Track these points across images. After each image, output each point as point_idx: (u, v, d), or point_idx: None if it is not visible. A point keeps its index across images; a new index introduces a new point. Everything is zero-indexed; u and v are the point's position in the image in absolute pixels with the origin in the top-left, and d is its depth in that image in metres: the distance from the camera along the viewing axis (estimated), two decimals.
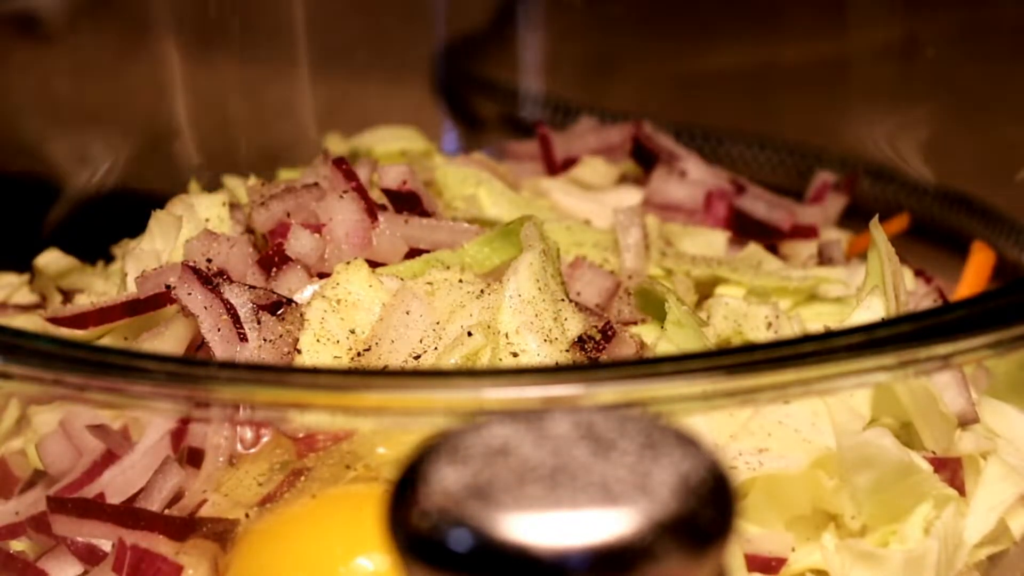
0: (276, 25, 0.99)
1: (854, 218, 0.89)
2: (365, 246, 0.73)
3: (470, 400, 0.54)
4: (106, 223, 0.86)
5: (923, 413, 0.65)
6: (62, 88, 0.94)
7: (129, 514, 0.63)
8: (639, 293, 0.74)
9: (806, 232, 0.88)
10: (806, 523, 0.63)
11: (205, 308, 0.68)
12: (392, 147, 0.89)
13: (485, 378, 0.57)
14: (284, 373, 0.60)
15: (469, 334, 0.67)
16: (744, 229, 0.87)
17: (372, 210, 0.73)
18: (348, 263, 0.71)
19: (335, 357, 0.68)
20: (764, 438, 0.64)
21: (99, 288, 0.80)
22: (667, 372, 0.55)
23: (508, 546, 0.40)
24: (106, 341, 0.71)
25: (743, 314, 0.73)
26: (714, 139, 0.98)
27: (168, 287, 0.69)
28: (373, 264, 0.72)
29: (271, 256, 0.72)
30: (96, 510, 0.64)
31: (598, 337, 0.70)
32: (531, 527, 0.40)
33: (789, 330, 0.73)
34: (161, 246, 0.74)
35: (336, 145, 0.91)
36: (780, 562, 0.61)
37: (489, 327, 0.67)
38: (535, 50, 1.04)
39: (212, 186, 0.90)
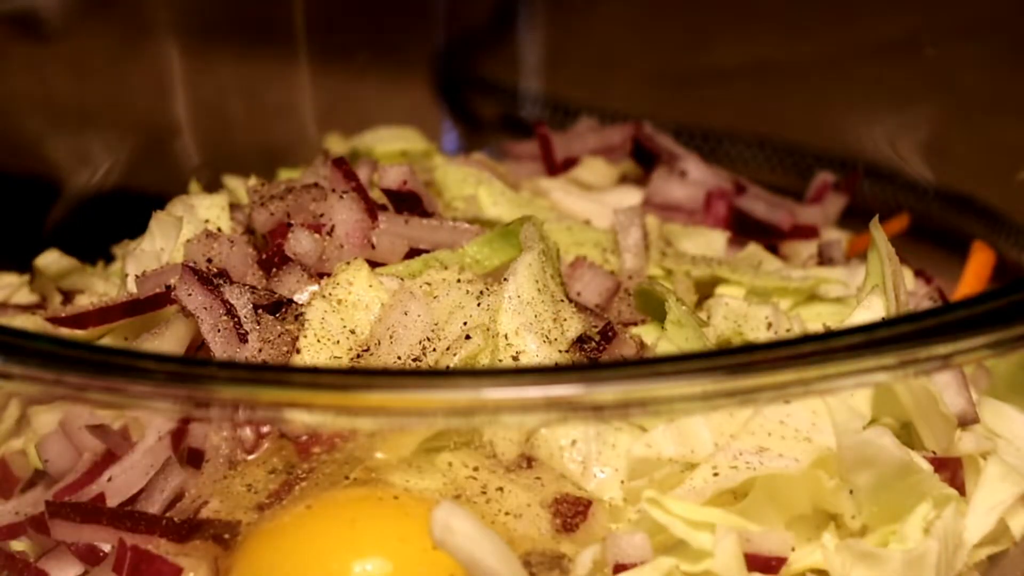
0: (276, 25, 0.99)
1: (854, 218, 0.89)
2: (365, 246, 0.73)
3: (470, 400, 0.54)
4: (106, 223, 0.86)
5: (923, 413, 0.65)
6: (62, 88, 0.94)
7: (128, 518, 0.63)
8: (639, 293, 0.74)
9: (806, 232, 0.88)
10: (806, 523, 0.63)
11: (205, 308, 0.68)
12: (392, 147, 0.89)
13: (485, 378, 0.57)
14: (284, 373, 0.60)
15: (468, 337, 0.67)
16: (744, 229, 0.87)
17: (372, 210, 0.73)
18: (348, 263, 0.71)
19: (335, 357, 0.68)
20: (764, 438, 0.64)
21: (99, 288, 0.80)
22: (667, 372, 0.55)
23: None
24: (106, 341, 0.71)
25: (743, 314, 0.73)
26: (714, 139, 0.98)
27: (168, 287, 0.69)
28: (373, 264, 0.72)
29: (271, 256, 0.72)
30: (96, 514, 0.64)
31: (598, 337, 0.70)
32: None
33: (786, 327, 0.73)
34: (161, 246, 0.74)
35: (336, 145, 0.91)
36: (780, 562, 0.61)
37: (488, 329, 0.67)
38: (535, 50, 1.04)
39: (212, 186, 0.90)
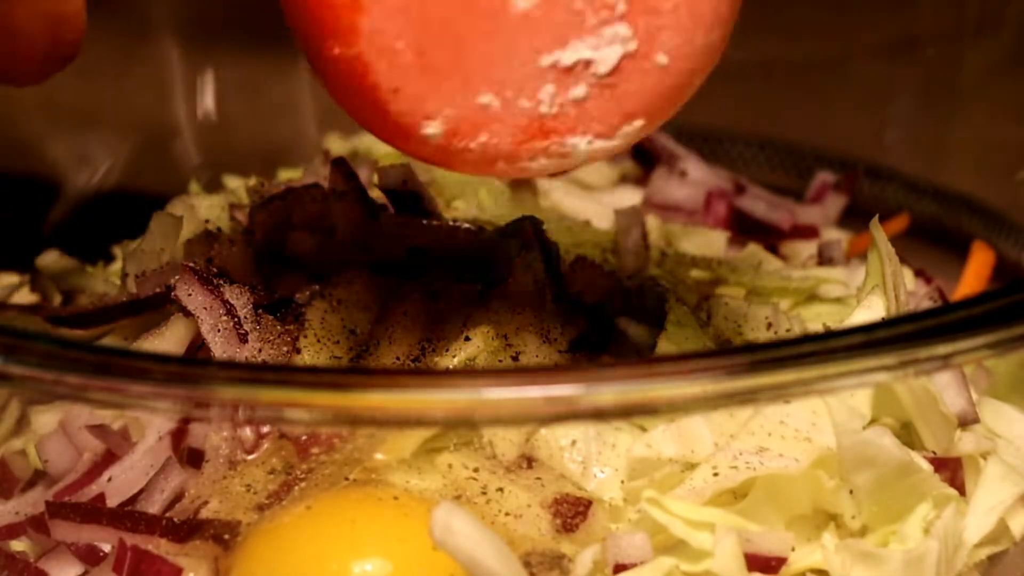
0: (276, 25, 0.99)
1: (854, 218, 0.89)
2: (365, 246, 0.73)
3: (470, 400, 0.54)
4: (106, 223, 0.86)
5: (923, 413, 0.65)
6: (62, 88, 0.94)
7: (128, 518, 0.63)
8: (639, 293, 0.74)
9: (806, 232, 0.88)
10: (806, 523, 0.63)
11: (205, 308, 0.68)
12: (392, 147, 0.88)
13: (485, 378, 0.57)
14: (284, 373, 0.60)
15: (467, 339, 0.67)
16: (744, 229, 0.87)
17: (372, 210, 0.73)
18: (348, 263, 0.71)
19: (335, 357, 0.68)
20: (764, 438, 0.64)
21: (99, 288, 0.80)
22: (667, 372, 0.55)
23: None
24: (106, 341, 0.71)
25: (743, 314, 0.73)
26: (714, 139, 0.98)
27: (168, 287, 0.69)
28: (373, 264, 0.72)
29: (271, 256, 0.72)
30: (95, 515, 0.64)
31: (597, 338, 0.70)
32: None
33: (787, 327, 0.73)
34: (161, 246, 0.74)
35: (336, 145, 0.91)
36: (780, 562, 0.61)
37: (488, 331, 0.67)
38: None
39: (212, 186, 0.89)
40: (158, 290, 0.70)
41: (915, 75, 0.95)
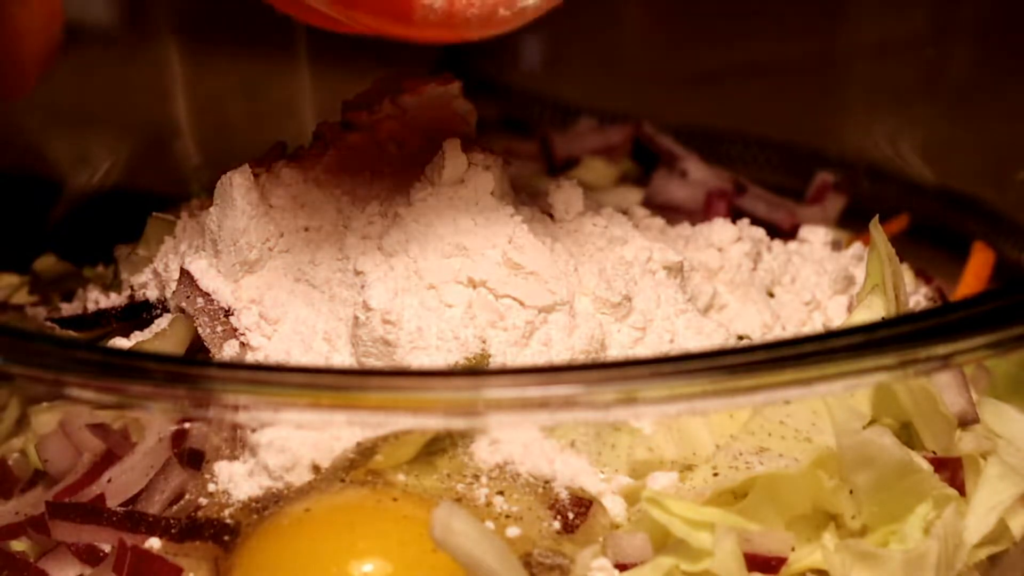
0: (276, 25, 0.99)
1: (854, 218, 0.89)
2: None
3: (470, 400, 0.54)
4: (106, 223, 0.87)
5: (923, 413, 0.65)
6: (62, 88, 0.94)
7: (128, 518, 0.63)
8: None
9: None
10: (806, 523, 0.63)
11: (204, 311, 0.68)
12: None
13: (485, 378, 0.57)
14: (284, 373, 0.60)
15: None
16: None
17: None
18: None
19: None
20: (764, 438, 0.64)
21: (96, 291, 0.80)
22: (667, 372, 0.55)
23: None
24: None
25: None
26: (714, 139, 0.98)
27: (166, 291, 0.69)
28: None
29: None
30: (96, 514, 0.64)
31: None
32: None
33: None
34: (156, 249, 0.74)
35: None
36: (780, 562, 0.61)
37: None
38: (535, 50, 1.04)
39: (212, 186, 0.89)
40: (156, 294, 0.70)
41: (915, 75, 0.95)
